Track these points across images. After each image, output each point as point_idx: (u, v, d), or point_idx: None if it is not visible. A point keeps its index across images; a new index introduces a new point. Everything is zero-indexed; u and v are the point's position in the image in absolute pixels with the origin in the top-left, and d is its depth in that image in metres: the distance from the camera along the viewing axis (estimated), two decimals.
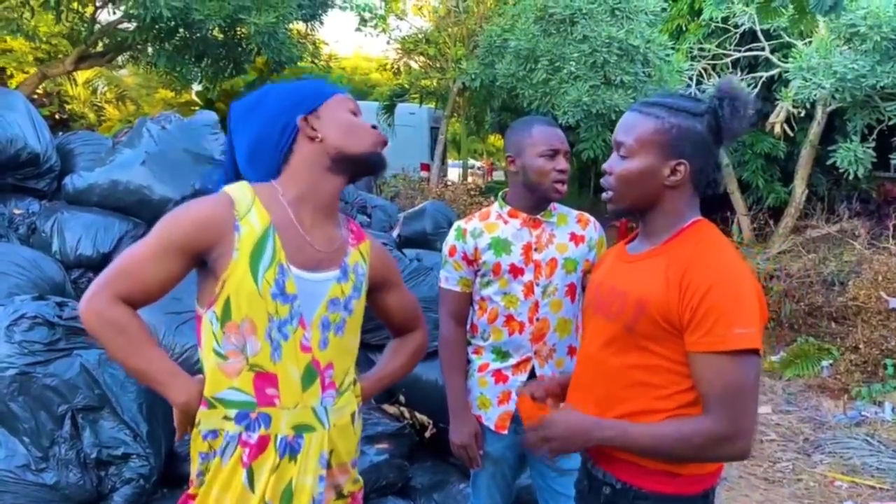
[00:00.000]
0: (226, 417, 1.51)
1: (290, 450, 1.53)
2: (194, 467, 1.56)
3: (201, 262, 1.51)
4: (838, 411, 5.31)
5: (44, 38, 12.54)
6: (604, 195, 1.67)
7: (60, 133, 4.34)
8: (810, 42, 8.18)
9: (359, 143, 1.60)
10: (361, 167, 1.63)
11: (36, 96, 12.99)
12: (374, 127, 1.66)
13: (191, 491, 1.57)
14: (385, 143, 1.66)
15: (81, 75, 15.32)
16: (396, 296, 1.83)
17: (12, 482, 2.47)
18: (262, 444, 1.51)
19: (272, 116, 1.60)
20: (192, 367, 1.61)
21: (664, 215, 1.60)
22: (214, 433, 1.52)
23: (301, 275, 1.54)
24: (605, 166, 1.65)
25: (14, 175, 3.69)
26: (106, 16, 10.80)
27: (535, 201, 2.28)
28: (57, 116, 15.68)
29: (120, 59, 12.00)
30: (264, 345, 1.50)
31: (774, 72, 9.07)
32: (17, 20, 9.21)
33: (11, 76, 14.17)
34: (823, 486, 4.17)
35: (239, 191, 1.54)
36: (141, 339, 1.49)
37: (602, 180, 1.66)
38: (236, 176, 1.67)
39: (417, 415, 3.08)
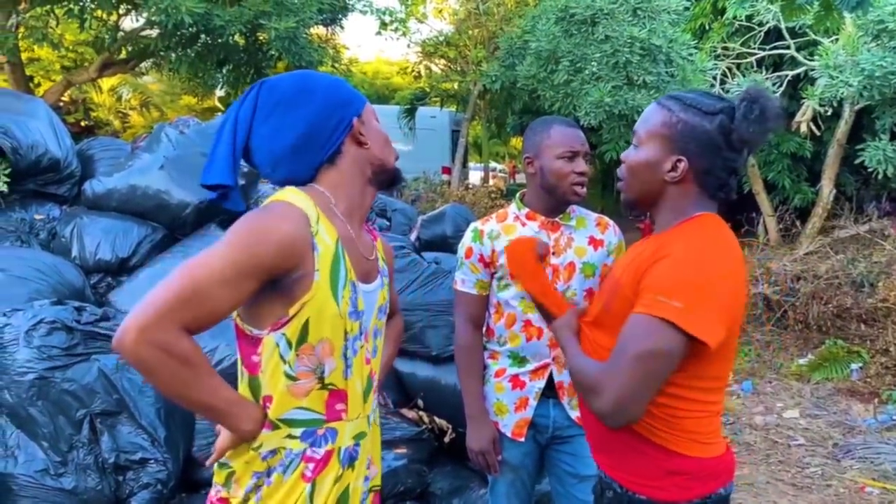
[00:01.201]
0: (289, 436, 1.45)
1: (350, 458, 1.53)
2: (243, 484, 1.46)
3: (272, 281, 1.38)
4: (868, 415, 5.19)
5: (69, 47, 12.75)
6: (617, 184, 1.66)
7: (85, 140, 4.37)
8: (837, 39, 8.05)
9: (391, 157, 1.58)
10: (391, 181, 1.61)
11: (62, 104, 13.19)
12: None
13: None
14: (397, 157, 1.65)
15: (106, 83, 15.51)
16: (391, 286, 1.81)
17: (31, 487, 2.48)
18: (327, 458, 1.48)
19: (327, 108, 1.48)
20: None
21: (667, 211, 1.57)
22: (274, 452, 1.45)
23: (364, 288, 1.52)
24: (622, 156, 1.65)
25: (35, 181, 3.73)
26: (129, 23, 10.92)
27: (553, 204, 2.24)
28: (83, 124, 15.89)
29: (143, 66, 12.12)
30: (339, 364, 1.47)
31: (800, 70, 8.93)
32: (42, 29, 9.34)
33: (38, 84, 14.38)
34: (853, 492, 4.07)
35: (304, 203, 1.42)
36: (207, 370, 1.36)
37: (618, 170, 1.66)
38: (234, 166, 1.50)
39: (436, 419, 3.05)
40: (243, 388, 1.47)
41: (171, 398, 1.38)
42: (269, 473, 1.45)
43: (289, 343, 1.41)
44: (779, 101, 1.54)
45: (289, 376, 1.43)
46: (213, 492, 1.52)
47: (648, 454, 1.54)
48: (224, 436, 1.46)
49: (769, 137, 1.52)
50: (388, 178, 1.59)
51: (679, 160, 1.52)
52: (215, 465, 1.52)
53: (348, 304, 1.45)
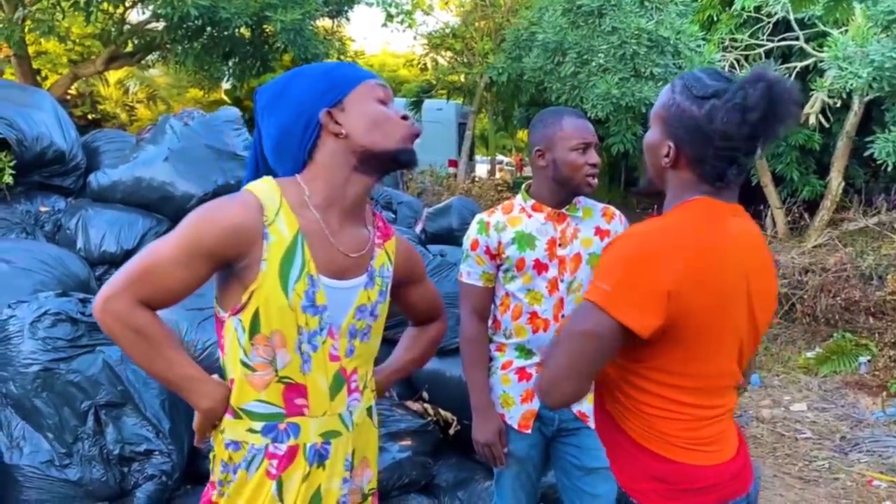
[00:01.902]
0: (251, 430, 1.46)
1: (319, 457, 1.50)
2: (215, 472, 1.51)
3: (226, 265, 1.43)
4: (876, 408, 5.17)
5: (76, 40, 12.77)
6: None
7: (90, 132, 4.37)
8: (846, 30, 7.97)
9: (386, 139, 1.46)
10: (389, 164, 1.51)
11: (69, 97, 13.22)
12: (404, 117, 1.52)
13: (213, 497, 1.52)
14: (417, 136, 1.53)
15: (113, 76, 15.54)
16: (420, 290, 1.78)
17: (37, 478, 2.48)
18: (291, 455, 1.47)
19: (295, 109, 1.48)
20: (214, 364, 1.57)
21: (670, 195, 1.49)
22: (237, 444, 1.47)
23: (330, 284, 1.47)
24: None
25: (40, 173, 3.73)
26: (135, 16, 10.93)
27: (563, 195, 2.22)
28: (90, 117, 15.92)
29: (149, 58, 12.14)
30: (294, 357, 1.45)
31: (809, 61, 8.86)
32: (49, 22, 9.35)
33: (45, 78, 14.41)
34: (861, 485, 4.05)
35: (266, 192, 1.44)
36: (164, 344, 1.42)
37: None
38: (266, 168, 1.58)
39: (441, 411, 3.04)
40: (222, 370, 1.52)
41: (142, 369, 1.47)
42: (234, 469, 1.47)
43: (243, 329, 1.44)
44: (777, 88, 1.33)
45: (246, 365, 1.45)
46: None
47: (631, 452, 1.47)
48: (196, 414, 1.50)
49: (769, 128, 1.36)
50: (382, 162, 1.49)
51: (670, 146, 1.44)
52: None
53: (301, 298, 1.43)
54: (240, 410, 1.47)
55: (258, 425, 1.46)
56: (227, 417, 1.48)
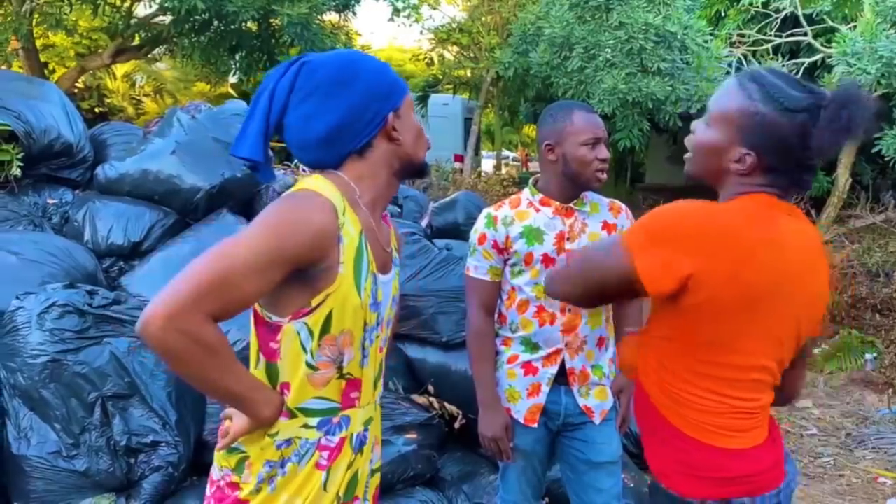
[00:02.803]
0: (305, 426, 1.45)
1: (360, 444, 1.53)
2: (255, 472, 1.44)
3: (299, 270, 1.36)
4: (882, 405, 5.16)
5: (83, 33, 12.78)
6: (685, 155, 1.58)
7: (98, 125, 4.38)
8: (855, 26, 7.94)
9: (421, 151, 1.55)
10: (416, 174, 1.59)
11: (76, 90, 13.25)
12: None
13: (241, 496, 1.45)
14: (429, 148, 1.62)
15: (120, 69, 15.56)
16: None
17: (44, 468, 2.50)
18: (340, 446, 1.48)
19: (366, 99, 1.46)
20: None
21: (726, 193, 1.47)
22: (289, 441, 1.45)
23: (382, 279, 1.51)
24: (692, 124, 1.56)
25: (48, 165, 3.73)
26: (142, 9, 10.94)
27: (573, 190, 2.22)
28: (97, 110, 15.94)
29: (156, 52, 12.16)
30: (357, 354, 1.47)
31: (817, 57, 8.82)
32: (56, 15, 9.37)
33: (53, 71, 14.43)
34: (866, 482, 4.05)
35: (331, 193, 1.41)
36: (232, 357, 1.34)
37: (686, 139, 1.58)
38: (265, 142, 1.49)
39: (447, 405, 3.05)
40: (259, 373, 1.46)
41: (193, 384, 1.38)
42: (282, 464, 1.44)
43: (310, 332, 1.40)
44: (870, 108, 1.35)
45: (310, 366, 1.43)
46: (217, 475, 1.50)
47: (666, 438, 1.48)
48: (240, 421, 1.44)
49: (855, 141, 1.43)
50: (414, 171, 1.57)
51: (747, 154, 1.42)
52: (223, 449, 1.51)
53: (370, 296, 1.45)
54: (296, 410, 1.44)
55: (314, 421, 1.46)
56: (282, 420, 1.44)
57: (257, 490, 1.44)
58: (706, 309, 1.38)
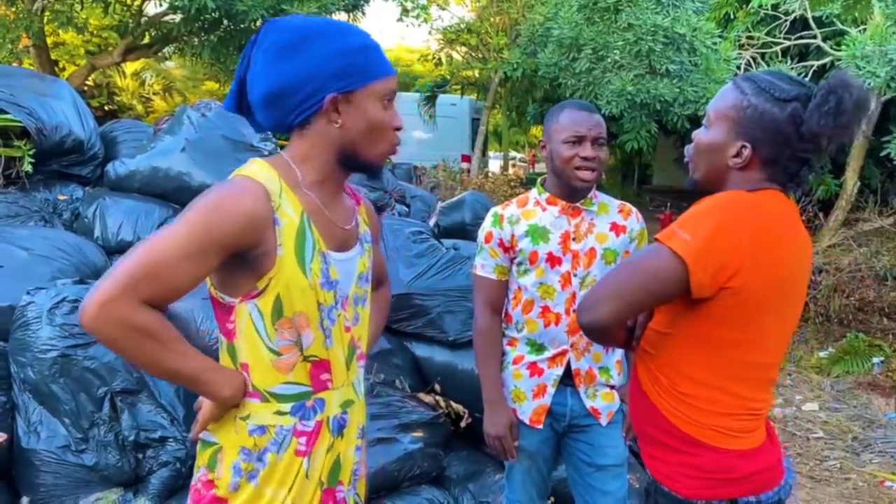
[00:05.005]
0: (279, 412, 1.45)
1: (339, 427, 1.53)
2: (229, 461, 1.44)
3: (236, 255, 1.37)
4: (889, 409, 5.14)
5: (93, 31, 12.83)
6: (685, 161, 1.62)
7: (108, 122, 4.41)
8: (864, 29, 7.91)
9: (372, 150, 1.48)
10: (360, 169, 1.52)
11: (86, 88, 13.30)
12: (397, 128, 1.51)
13: (217, 494, 1.44)
14: (395, 152, 1.54)
15: (129, 67, 15.61)
16: (377, 251, 1.77)
17: (53, 462, 2.52)
18: (318, 429, 1.48)
19: (305, 74, 1.40)
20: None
21: None
22: (262, 429, 1.44)
23: (337, 257, 1.49)
24: (693, 134, 1.60)
25: (59, 161, 3.77)
26: (152, 8, 10.98)
27: (566, 189, 2.23)
28: (106, 108, 15.99)
29: (166, 51, 12.18)
30: (317, 335, 1.46)
31: (826, 60, 8.79)
32: (67, 13, 9.41)
33: (63, 68, 14.49)
34: (872, 486, 4.04)
35: (266, 177, 1.41)
36: (174, 339, 1.36)
37: (685, 148, 1.61)
38: (239, 97, 1.50)
39: (453, 404, 3.06)
40: (223, 355, 1.47)
41: (143, 369, 1.41)
42: (260, 456, 1.44)
43: (261, 314, 1.41)
44: (861, 93, 1.38)
45: (272, 350, 1.43)
46: (196, 476, 1.49)
47: (669, 442, 1.50)
48: (206, 406, 1.46)
49: (848, 133, 1.41)
50: (357, 165, 1.50)
51: (744, 146, 1.46)
52: (198, 445, 1.51)
53: (319, 276, 1.44)
54: (267, 393, 1.44)
55: (287, 406, 1.45)
56: (254, 401, 1.44)
57: (236, 486, 1.43)
58: (742, 308, 1.40)
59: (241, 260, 1.38)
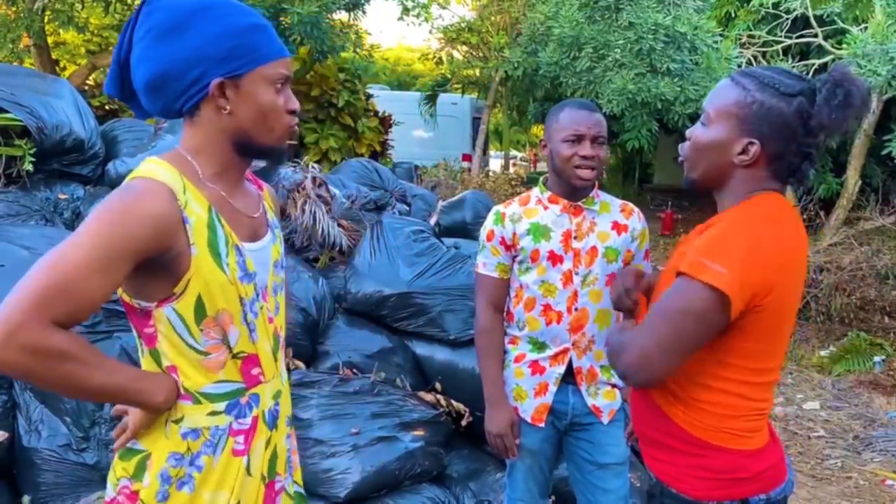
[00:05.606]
0: (212, 413, 1.40)
1: (273, 418, 1.51)
2: (157, 467, 1.37)
3: (148, 260, 1.29)
4: (890, 408, 5.14)
5: (94, 30, 12.83)
6: (679, 160, 1.59)
7: (109, 121, 4.40)
8: (866, 27, 7.91)
9: (268, 135, 1.40)
10: (260, 156, 1.47)
11: (87, 87, 13.30)
12: (292, 111, 1.43)
13: None
14: (294, 133, 1.47)
15: None
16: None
17: (54, 461, 2.52)
18: (254, 426, 1.45)
19: (188, 58, 1.32)
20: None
21: (731, 194, 1.49)
22: (196, 433, 1.38)
23: (251, 248, 1.44)
24: (686, 132, 1.58)
25: (60, 160, 3.76)
26: None
27: (566, 188, 2.23)
28: (107, 107, 15.99)
29: None
30: (242, 330, 1.42)
31: (827, 59, 8.78)
32: (68, 12, 9.41)
33: (64, 68, 14.50)
34: (874, 484, 4.04)
35: (167, 175, 1.32)
36: (93, 356, 1.26)
37: (679, 146, 1.59)
38: (121, 76, 1.42)
39: (454, 402, 3.05)
40: (146, 361, 1.40)
41: (66, 395, 1.31)
42: (193, 460, 1.38)
43: (182, 317, 1.34)
44: (865, 86, 1.40)
45: (199, 351, 1.37)
46: (117, 489, 1.40)
47: (677, 445, 1.50)
48: (135, 414, 1.38)
49: (851, 124, 1.42)
50: (255, 152, 1.43)
51: (751, 143, 1.44)
52: (118, 454, 1.42)
53: (237, 270, 1.38)
54: (199, 395, 1.39)
55: (221, 405, 1.41)
56: (186, 403, 1.38)
57: (165, 496, 1.36)
58: (766, 321, 1.41)
59: (154, 264, 1.30)
